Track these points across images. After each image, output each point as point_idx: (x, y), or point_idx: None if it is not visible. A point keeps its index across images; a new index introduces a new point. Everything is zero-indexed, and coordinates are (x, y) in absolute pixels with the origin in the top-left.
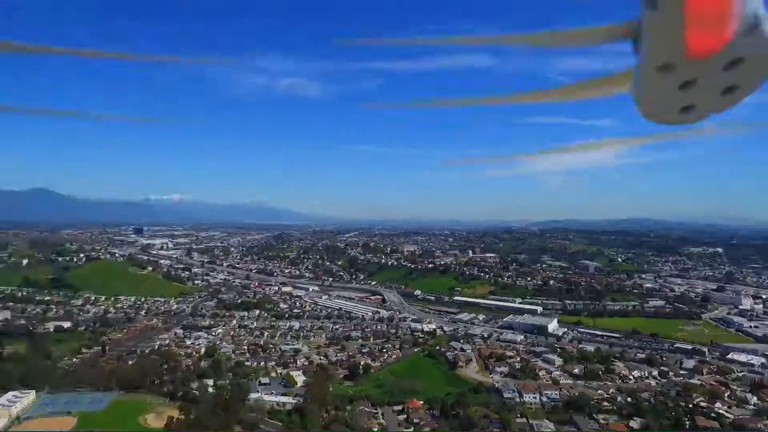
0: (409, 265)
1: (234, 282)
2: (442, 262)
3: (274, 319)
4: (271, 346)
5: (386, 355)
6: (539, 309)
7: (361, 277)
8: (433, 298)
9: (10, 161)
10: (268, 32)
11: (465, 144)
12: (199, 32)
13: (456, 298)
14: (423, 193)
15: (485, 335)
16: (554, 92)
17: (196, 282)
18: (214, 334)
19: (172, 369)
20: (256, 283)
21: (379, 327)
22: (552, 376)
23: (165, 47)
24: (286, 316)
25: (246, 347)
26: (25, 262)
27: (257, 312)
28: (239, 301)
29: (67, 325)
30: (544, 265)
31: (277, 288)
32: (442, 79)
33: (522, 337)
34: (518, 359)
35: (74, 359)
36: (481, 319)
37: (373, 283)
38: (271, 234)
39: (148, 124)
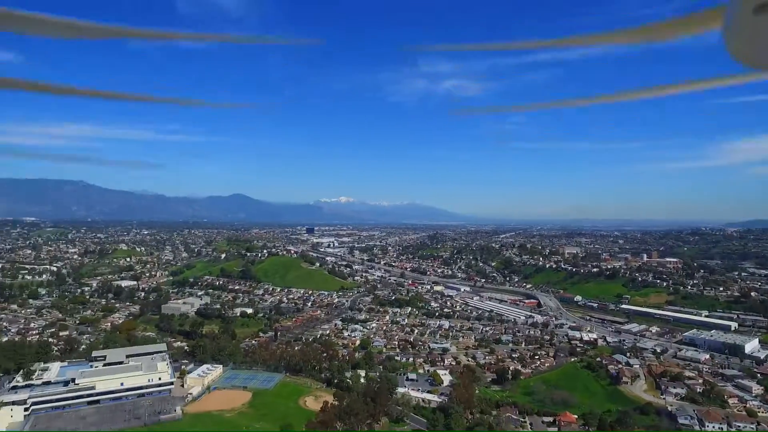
0: (569, 268)
1: (389, 279)
2: (608, 266)
3: (424, 317)
4: (420, 343)
5: (538, 362)
6: (734, 325)
7: (516, 280)
8: (595, 305)
9: (218, 171)
10: (431, 34)
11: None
12: (370, 35)
13: (624, 306)
14: (590, 190)
15: (658, 350)
16: (634, 32)
17: (355, 278)
18: (368, 327)
19: (330, 357)
20: (410, 281)
21: (532, 332)
22: (747, 406)
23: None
24: (437, 314)
25: (397, 342)
26: (222, 256)
27: (409, 309)
28: (393, 297)
29: (249, 311)
30: (743, 274)
31: (429, 287)
32: (633, 63)
33: (707, 356)
34: (700, 381)
35: (253, 341)
36: (654, 331)
37: (528, 286)
38: (426, 234)
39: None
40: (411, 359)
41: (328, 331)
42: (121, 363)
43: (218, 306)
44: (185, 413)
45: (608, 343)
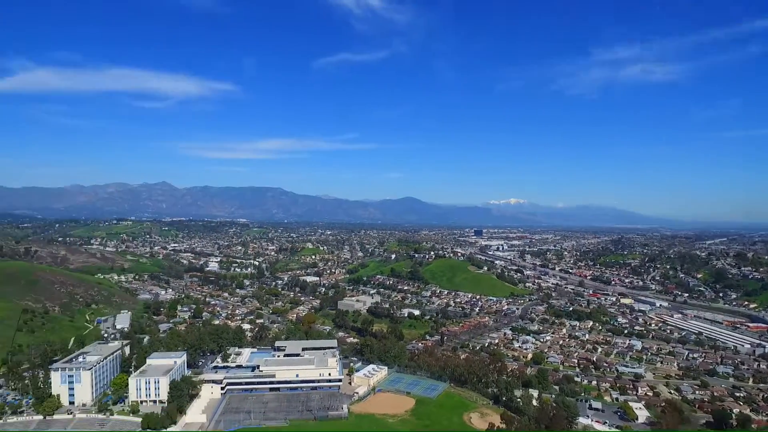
0: None
1: (566, 287)
2: None
3: (609, 333)
4: (605, 364)
5: None
6: None
7: (732, 297)
8: None
9: (392, 176)
10: (609, 20)
11: None
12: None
13: None
14: None
15: None
16: None
17: (527, 284)
18: (542, 340)
19: (498, 370)
20: (590, 291)
21: (763, 366)
22: None
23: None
24: (626, 332)
25: (576, 360)
26: (393, 256)
27: (590, 323)
28: (570, 308)
29: (416, 312)
30: None
31: (614, 298)
32: None
33: None
34: None
35: (419, 344)
36: None
37: (751, 306)
38: (609, 238)
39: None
40: (594, 382)
41: (496, 340)
42: (297, 355)
43: (387, 306)
44: (351, 412)
45: None
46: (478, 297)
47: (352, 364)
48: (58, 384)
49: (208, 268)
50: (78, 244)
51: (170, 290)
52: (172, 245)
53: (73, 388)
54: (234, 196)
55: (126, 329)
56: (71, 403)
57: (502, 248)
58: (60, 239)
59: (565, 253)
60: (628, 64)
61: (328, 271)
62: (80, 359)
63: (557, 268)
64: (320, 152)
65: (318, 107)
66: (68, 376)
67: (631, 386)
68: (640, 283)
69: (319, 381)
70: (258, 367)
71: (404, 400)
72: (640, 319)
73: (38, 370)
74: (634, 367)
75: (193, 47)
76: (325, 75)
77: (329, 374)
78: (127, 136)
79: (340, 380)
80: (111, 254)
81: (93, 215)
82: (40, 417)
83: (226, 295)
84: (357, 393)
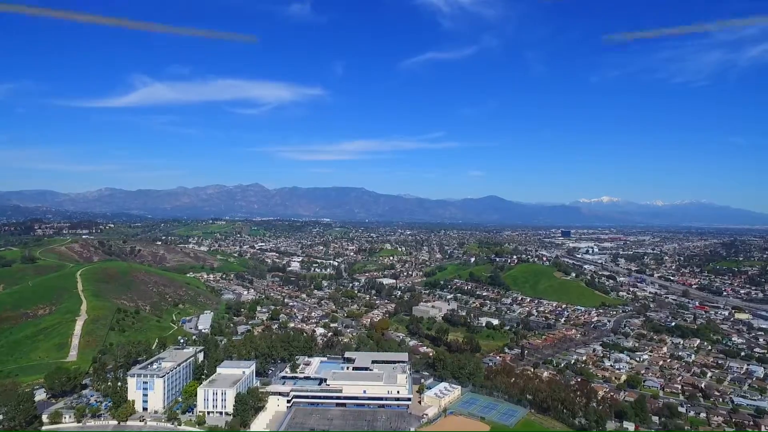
0: None
1: (666, 298)
2: None
3: (722, 355)
4: (716, 393)
5: None
6: None
7: None
8: None
9: (473, 174)
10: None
11: None
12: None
13: None
14: None
15: None
16: None
17: (620, 293)
18: (638, 359)
19: (587, 396)
20: (697, 303)
21: None
22: None
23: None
24: (743, 354)
25: (680, 386)
26: (472, 259)
27: (697, 341)
28: (672, 323)
29: (495, 322)
30: None
31: (727, 312)
32: None
33: None
34: None
35: (497, 357)
36: None
37: None
38: (719, 241)
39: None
40: (702, 415)
41: (584, 357)
42: (366, 368)
43: (464, 313)
44: None
45: None
46: (564, 306)
47: (423, 381)
48: (133, 389)
49: (290, 268)
50: (177, 243)
51: (252, 290)
52: (259, 244)
53: (146, 395)
54: (319, 196)
55: (206, 330)
56: (144, 409)
57: (592, 251)
58: (163, 238)
59: (666, 257)
60: (752, 43)
61: (405, 273)
62: (155, 365)
63: (656, 275)
64: (404, 152)
65: (403, 107)
66: (143, 382)
67: (752, 423)
68: (760, 294)
69: (386, 399)
70: (325, 380)
71: (478, 426)
72: (761, 339)
73: (119, 372)
74: (754, 399)
75: (289, 56)
76: (412, 75)
77: (398, 392)
78: (226, 141)
79: (409, 399)
80: (203, 254)
81: (194, 215)
82: (115, 422)
83: (304, 296)
84: (426, 414)
